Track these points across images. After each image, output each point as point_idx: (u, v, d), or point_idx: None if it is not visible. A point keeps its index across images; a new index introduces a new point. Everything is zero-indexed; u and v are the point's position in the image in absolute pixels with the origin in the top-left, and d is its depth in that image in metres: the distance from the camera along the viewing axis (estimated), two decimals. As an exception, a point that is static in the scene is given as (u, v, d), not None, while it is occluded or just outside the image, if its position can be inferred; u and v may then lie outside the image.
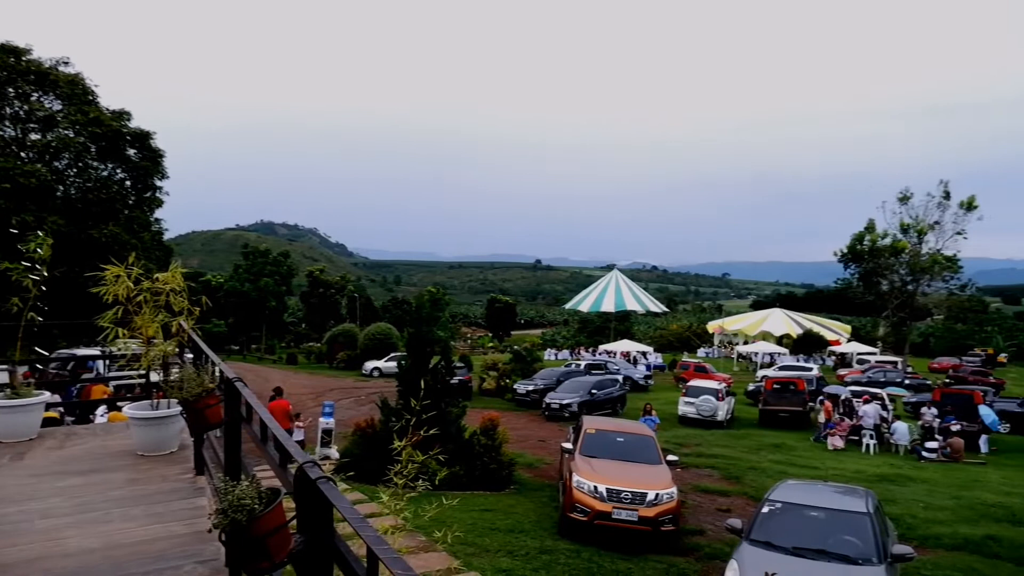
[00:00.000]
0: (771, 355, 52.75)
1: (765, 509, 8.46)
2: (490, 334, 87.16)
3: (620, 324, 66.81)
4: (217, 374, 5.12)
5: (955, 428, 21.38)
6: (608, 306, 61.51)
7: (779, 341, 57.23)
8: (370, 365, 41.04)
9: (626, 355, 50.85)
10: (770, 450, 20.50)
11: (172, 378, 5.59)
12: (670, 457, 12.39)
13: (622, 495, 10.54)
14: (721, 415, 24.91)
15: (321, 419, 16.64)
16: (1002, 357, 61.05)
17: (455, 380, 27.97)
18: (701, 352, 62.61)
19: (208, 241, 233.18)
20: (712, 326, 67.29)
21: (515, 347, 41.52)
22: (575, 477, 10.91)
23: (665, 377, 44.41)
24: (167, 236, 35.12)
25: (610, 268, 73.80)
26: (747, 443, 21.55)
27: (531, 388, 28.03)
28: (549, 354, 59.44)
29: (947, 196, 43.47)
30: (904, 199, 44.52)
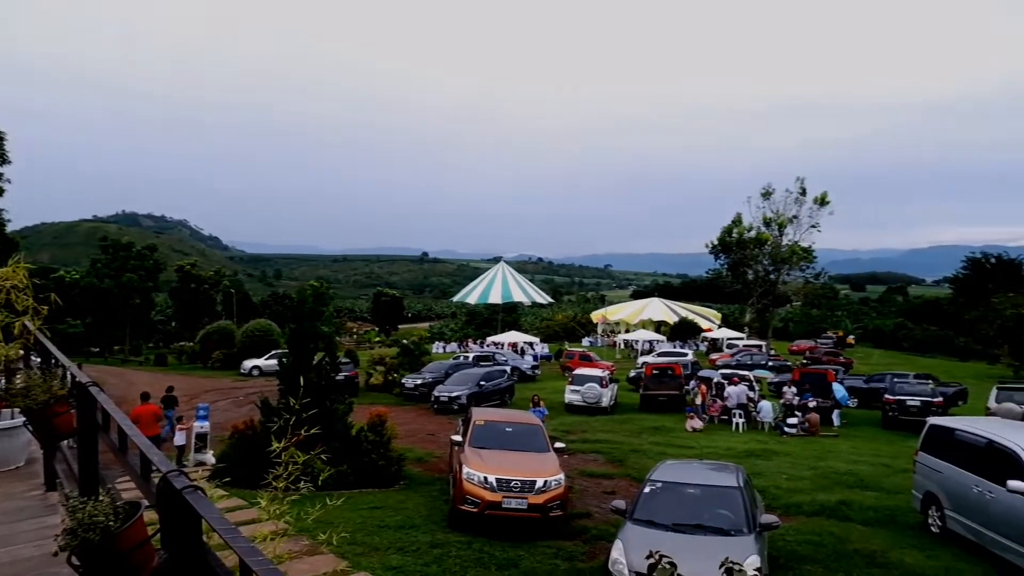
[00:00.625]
0: (650, 342, 55.30)
1: (647, 489, 8.85)
2: (377, 328, 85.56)
3: (507, 316, 67.64)
4: (69, 379, 4.65)
5: (812, 405, 23.33)
6: (495, 298, 62.10)
7: (657, 329, 60.11)
8: (249, 364, 39.13)
9: (513, 346, 51.56)
10: (650, 432, 21.48)
11: (16, 385, 5.01)
12: (557, 444, 12.67)
13: (512, 484, 10.65)
14: (605, 401, 25.79)
15: (195, 423, 15.66)
16: (851, 339, 67.37)
17: (341, 376, 27.30)
18: (585, 341, 64.57)
19: (61, 234, 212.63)
20: (595, 315, 69.60)
21: (403, 341, 40.98)
22: (465, 469, 10.91)
23: (552, 367, 45.40)
24: (11, 228, 31.68)
25: (497, 260, 74.54)
26: (629, 427, 22.46)
27: (419, 382, 27.78)
28: (437, 347, 59.23)
29: (803, 192, 47.29)
30: (767, 195, 48.01)
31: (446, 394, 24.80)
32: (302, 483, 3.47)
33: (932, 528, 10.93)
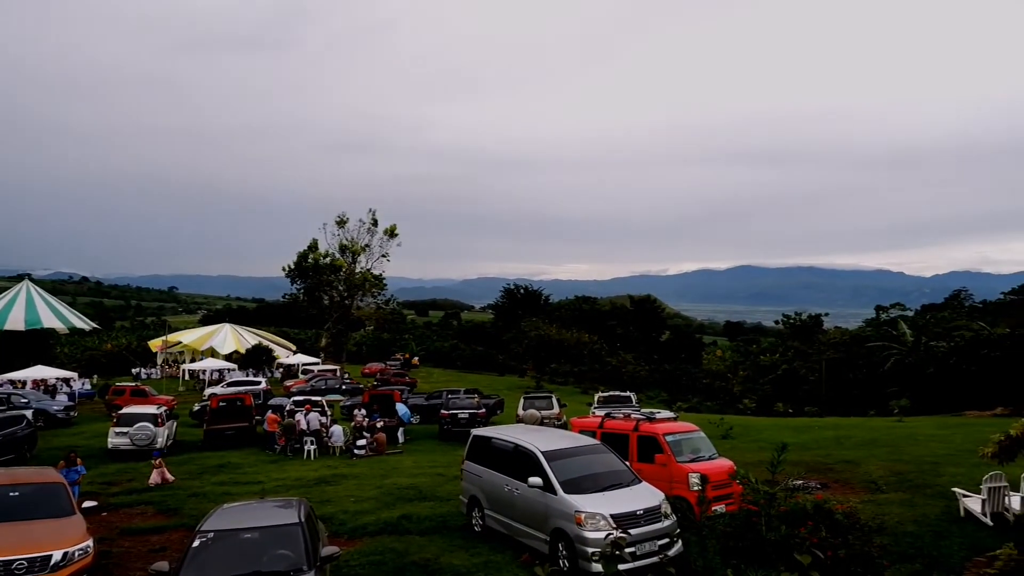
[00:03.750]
0: (220, 371, 51.48)
1: (196, 543, 7.82)
2: None
3: (35, 346, 55.06)
4: None
5: (379, 425, 24.52)
6: (16, 324, 49.90)
7: (229, 357, 56.36)
8: None
9: (41, 384, 42.13)
10: (214, 472, 19.70)
11: None
12: (86, 504, 10.49)
13: (14, 566, 8.32)
14: (160, 442, 22.76)
15: None
16: (415, 360, 73.82)
17: None
18: (141, 373, 56.78)
19: None
20: (155, 343, 61.86)
21: None
22: (-65, 558, 8.13)
23: (96, 406, 38.54)
24: None
25: (21, 278, 60.26)
26: (189, 468, 20.23)
27: None
28: (-80, 391, 44.84)
29: (375, 223, 50.24)
30: (341, 223, 49.58)
31: (-76, 455, 18.65)
32: None
33: (475, 528, 12.29)
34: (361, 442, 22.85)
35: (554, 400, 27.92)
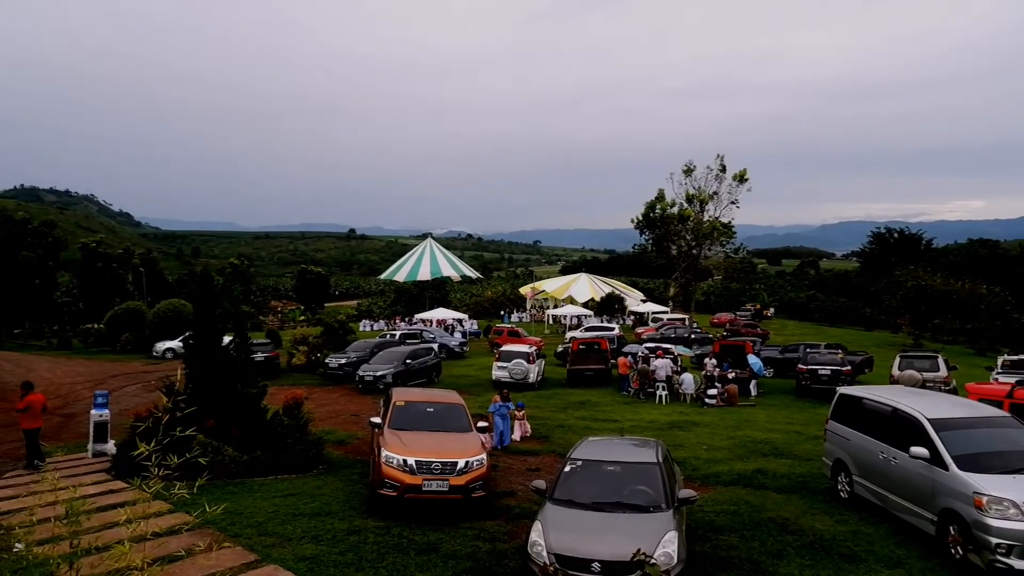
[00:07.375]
0: (578, 317, 55.98)
1: (567, 468, 8.73)
2: (301, 307, 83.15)
3: (436, 292, 67.00)
4: None
5: (731, 376, 24.02)
6: (424, 274, 61.30)
7: (586, 304, 60.88)
8: (162, 346, 37.17)
9: (442, 323, 51.12)
10: (576, 407, 21.63)
11: None
12: (480, 423, 12.49)
13: (432, 466, 10.37)
14: (532, 377, 25.85)
15: (93, 411, 14.60)
16: (768, 311, 70.19)
17: (261, 357, 26.27)
18: (514, 317, 64.77)
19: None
20: (523, 290, 69.89)
21: (330, 319, 39.86)
22: (384, 452, 10.55)
23: (481, 343, 45.31)
24: None
25: (425, 237, 73.45)
26: (555, 402, 22.55)
27: (343, 361, 27.05)
28: (364, 325, 58.18)
29: (723, 169, 48.27)
30: (688, 171, 48.71)
31: (371, 373, 24.24)
32: (177, 484, 3.03)
33: (841, 494, 11.32)
34: (712, 391, 22.72)
35: (940, 361, 23.89)
